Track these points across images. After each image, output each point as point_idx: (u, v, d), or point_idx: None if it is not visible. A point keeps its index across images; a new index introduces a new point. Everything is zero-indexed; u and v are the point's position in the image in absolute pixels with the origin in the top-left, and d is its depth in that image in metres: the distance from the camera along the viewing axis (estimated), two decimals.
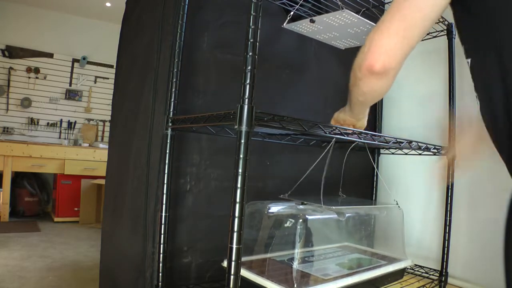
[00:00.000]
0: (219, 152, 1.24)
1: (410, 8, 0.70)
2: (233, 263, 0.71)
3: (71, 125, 4.79)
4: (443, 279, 1.44)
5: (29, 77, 4.56)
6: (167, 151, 1.03)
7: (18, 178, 4.23)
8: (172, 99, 1.06)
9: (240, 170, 0.70)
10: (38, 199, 4.35)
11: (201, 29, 1.22)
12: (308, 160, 1.22)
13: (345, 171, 1.42)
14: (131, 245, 1.20)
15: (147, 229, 1.13)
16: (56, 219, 4.11)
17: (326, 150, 1.12)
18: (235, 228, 0.71)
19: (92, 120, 4.93)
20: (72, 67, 4.83)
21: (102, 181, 3.84)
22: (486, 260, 1.40)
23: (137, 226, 1.18)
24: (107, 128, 4.94)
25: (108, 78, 4.96)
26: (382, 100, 1.86)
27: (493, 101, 0.69)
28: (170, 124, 1.04)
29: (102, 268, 1.49)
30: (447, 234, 1.44)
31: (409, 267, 1.40)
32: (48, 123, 4.66)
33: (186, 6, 1.10)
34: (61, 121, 4.74)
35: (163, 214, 1.03)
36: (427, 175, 1.64)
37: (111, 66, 4.87)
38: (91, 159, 4.28)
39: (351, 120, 1.02)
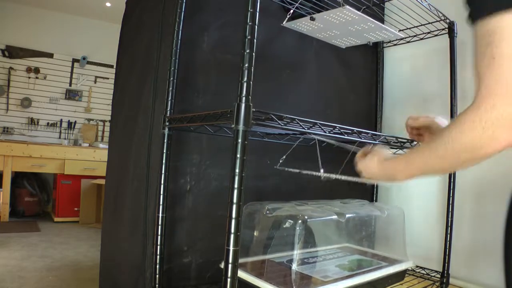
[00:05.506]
0: (219, 152, 1.23)
1: None
2: (229, 265, 0.69)
3: (71, 125, 4.78)
4: (444, 280, 1.43)
5: (29, 77, 4.55)
6: (164, 151, 1.01)
7: (18, 178, 4.22)
8: (170, 98, 1.04)
9: (237, 170, 0.69)
10: (38, 199, 4.34)
11: (201, 29, 1.21)
12: (308, 160, 1.20)
13: (346, 171, 1.40)
14: (131, 245, 1.19)
15: (147, 229, 1.12)
16: (56, 219, 4.10)
17: (292, 147, 1.10)
18: (232, 230, 0.69)
19: (92, 120, 4.92)
20: (72, 67, 4.82)
21: (102, 181, 3.83)
22: (488, 260, 1.39)
23: (137, 226, 1.17)
24: (107, 128, 4.93)
25: (108, 78, 4.95)
26: (382, 99, 1.84)
27: None
28: (167, 124, 1.03)
29: (102, 268, 1.49)
30: (448, 235, 1.43)
31: (411, 269, 1.39)
32: (48, 123, 4.65)
33: (184, 4, 1.08)
34: (61, 121, 4.73)
35: (160, 215, 1.01)
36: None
37: (111, 66, 4.86)
38: (91, 159, 4.27)
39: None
